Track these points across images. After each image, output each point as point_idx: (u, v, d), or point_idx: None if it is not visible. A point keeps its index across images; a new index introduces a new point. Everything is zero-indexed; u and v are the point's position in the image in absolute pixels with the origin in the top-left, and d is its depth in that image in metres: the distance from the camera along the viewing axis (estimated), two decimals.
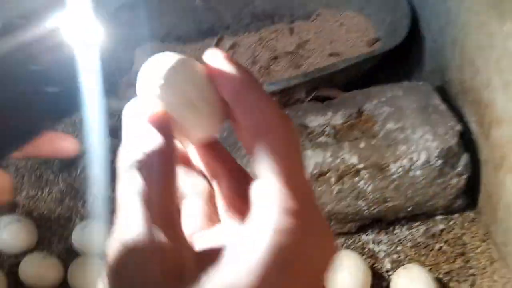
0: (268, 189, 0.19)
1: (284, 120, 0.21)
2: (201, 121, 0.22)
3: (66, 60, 0.24)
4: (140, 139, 0.21)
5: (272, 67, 0.80)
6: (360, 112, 0.56)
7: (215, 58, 0.22)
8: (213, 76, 0.22)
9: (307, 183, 0.20)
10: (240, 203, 0.24)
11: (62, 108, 0.26)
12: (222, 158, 0.25)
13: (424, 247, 0.54)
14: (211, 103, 0.22)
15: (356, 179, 0.51)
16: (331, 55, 0.74)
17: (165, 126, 0.21)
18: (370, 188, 0.51)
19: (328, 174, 0.51)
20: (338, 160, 0.51)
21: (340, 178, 0.51)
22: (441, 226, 0.55)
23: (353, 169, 0.50)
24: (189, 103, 0.22)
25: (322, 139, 0.54)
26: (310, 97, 0.59)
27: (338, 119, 0.56)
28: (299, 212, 0.18)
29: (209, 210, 0.25)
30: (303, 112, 0.57)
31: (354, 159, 0.50)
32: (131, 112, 0.22)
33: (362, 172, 0.50)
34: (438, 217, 0.56)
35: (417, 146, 0.50)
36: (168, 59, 0.22)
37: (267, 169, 0.20)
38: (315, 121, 0.56)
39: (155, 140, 0.21)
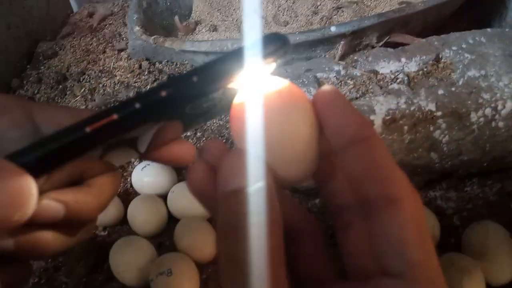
0: None
1: (416, 194, 0.19)
2: (295, 165, 0.20)
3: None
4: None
5: (334, 17, 0.76)
6: (437, 59, 0.52)
7: (330, 99, 0.20)
8: (324, 120, 0.20)
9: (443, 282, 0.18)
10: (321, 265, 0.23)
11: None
12: (301, 209, 0.24)
13: (498, 206, 0.51)
14: (310, 146, 0.20)
15: (432, 128, 0.48)
16: (401, 4, 0.69)
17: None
18: (446, 139, 0.48)
19: (401, 122, 0.48)
20: (414, 107, 0.47)
21: (414, 126, 0.47)
22: None
23: (429, 117, 0.47)
24: (287, 144, 0.19)
25: (395, 86, 0.51)
26: (382, 43, 0.56)
27: (412, 66, 0.52)
28: None
29: None
30: (374, 58, 0.54)
31: (431, 106, 0.47)
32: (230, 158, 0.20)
33: (439, 121, 0.47)
34: None
35: (502, 95, 0.46)
36: (273, 91, 0.20)
37: (398, 259, 0.18)
38: (387, 67, 0.53)
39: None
